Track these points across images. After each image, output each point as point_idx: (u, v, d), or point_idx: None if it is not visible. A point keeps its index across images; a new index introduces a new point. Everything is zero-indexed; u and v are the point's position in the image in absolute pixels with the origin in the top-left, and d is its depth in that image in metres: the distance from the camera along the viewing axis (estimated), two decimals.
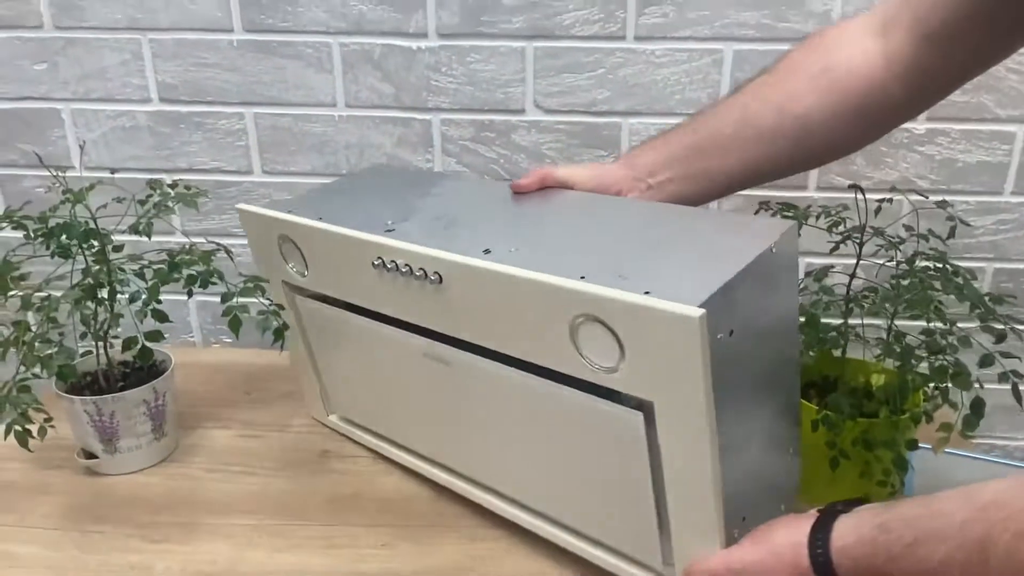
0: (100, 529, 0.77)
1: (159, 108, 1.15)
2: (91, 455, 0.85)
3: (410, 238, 0.67)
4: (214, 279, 0.79)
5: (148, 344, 0.83)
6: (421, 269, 0.65)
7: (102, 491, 0.84)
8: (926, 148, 1.07)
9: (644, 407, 0.59)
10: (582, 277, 0.56)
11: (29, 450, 0.71)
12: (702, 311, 0.49)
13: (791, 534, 0.54)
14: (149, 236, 0.79)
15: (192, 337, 1.26)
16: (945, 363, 0.69)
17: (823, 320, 0.73)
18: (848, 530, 0.51)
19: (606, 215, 0.70)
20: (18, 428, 0.70)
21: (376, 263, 0.69)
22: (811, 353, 0.75)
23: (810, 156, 0.73)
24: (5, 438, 0.70)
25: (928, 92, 0.66)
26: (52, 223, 0.80)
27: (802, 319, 0.72)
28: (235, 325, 0.76)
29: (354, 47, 1.09)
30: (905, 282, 0.70)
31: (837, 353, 0.76)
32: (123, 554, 0.74)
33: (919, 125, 1.07)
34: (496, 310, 0.63)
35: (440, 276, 0.64)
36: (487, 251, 0.64)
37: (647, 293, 0.53)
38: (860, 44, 0.66)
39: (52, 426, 0.74)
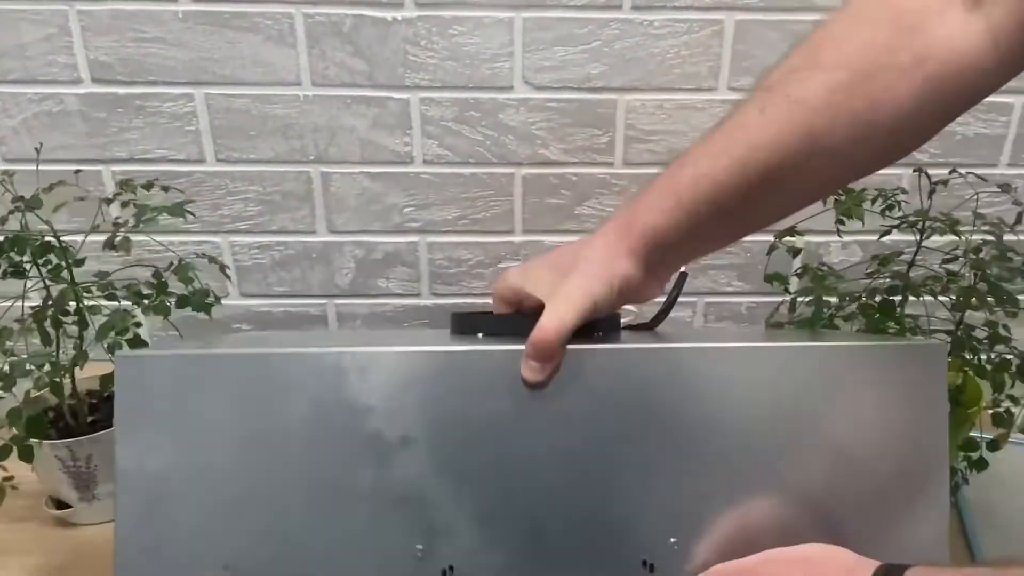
0: None
1: (92, 90, 1.00)
2: (62, 504, 0.73)
3: None
4: (211, 300, 0.68)
5: None
6: None
7: (81, 546, 0.72)
8: None
9: None
10: None
11: None
12: None
13: None
14: (128, 252, 0.67)
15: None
16: (1009, 357, 0.66)
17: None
18: (918, 567, 0.46)
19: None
20: None
21: None
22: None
23: (876, 167, 0.56)
24: None
25: (1016, 73, 0.53)
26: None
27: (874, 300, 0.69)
28: None
29: (320, 18, 0.98)
30: (964, 271, 0.68)
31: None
32: None
33: None
34: None
35: None
36: None
37: None
38: (953, 19, 0.49)
39: (14, 487, 0.63)
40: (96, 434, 0.71)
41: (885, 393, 0.51)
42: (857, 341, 0.52)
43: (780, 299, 0.83)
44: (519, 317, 0.55)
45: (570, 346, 0.50)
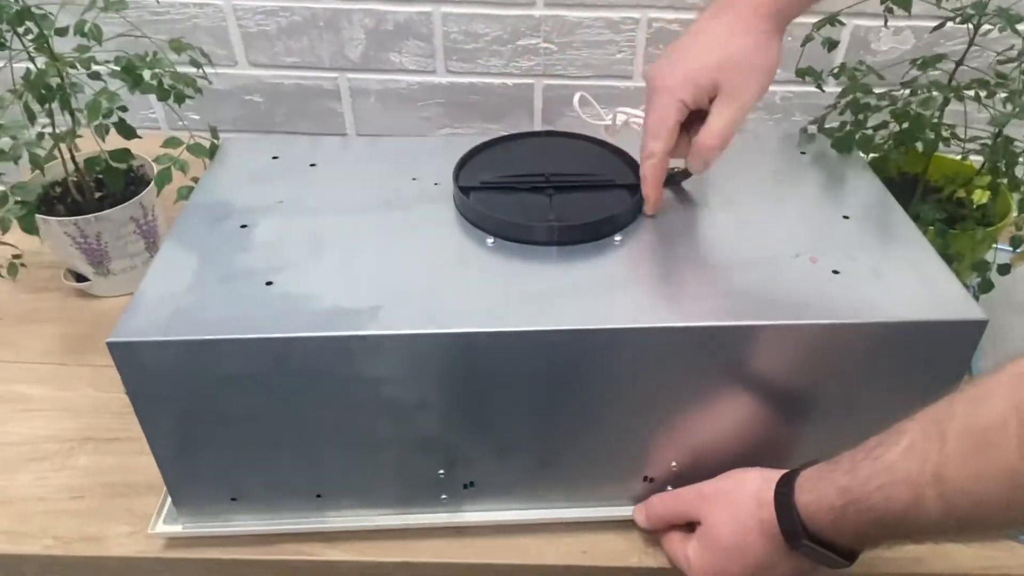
0: (112, 363, 0.70)
1: None
2: (81, 277, 0.76)
3: None
4: (191, 92, 0.64)
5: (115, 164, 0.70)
6: None
7: (102, 316, 0.76)
8: None
9: None
10: None
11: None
12: None
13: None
14: (100, 41, 0.63)
15: (153, 113, 1.11)
16: None
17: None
18: (810, 469, 0.48)
19: None
20: None
21: None
22: (901, 150, 0.67)
23: None
24: None
25: None
26: None
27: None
28: (162, 180, 0.64)
29: None
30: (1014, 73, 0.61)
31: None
32: None
33: None
34: None
35: None
36: None
37: None
38: None
39: (23, 263, 0.64)
40: (102, 212, 0.71)
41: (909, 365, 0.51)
42: (893, 317, 0.49)
43: (816, 90, 0.76)
44: (530, 226, 0.55)
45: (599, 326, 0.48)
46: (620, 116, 0.91)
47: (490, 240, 0.55)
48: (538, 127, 1.08)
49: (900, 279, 0.52)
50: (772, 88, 1.04)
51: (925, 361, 0.50)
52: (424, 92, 1.06)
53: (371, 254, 0.54)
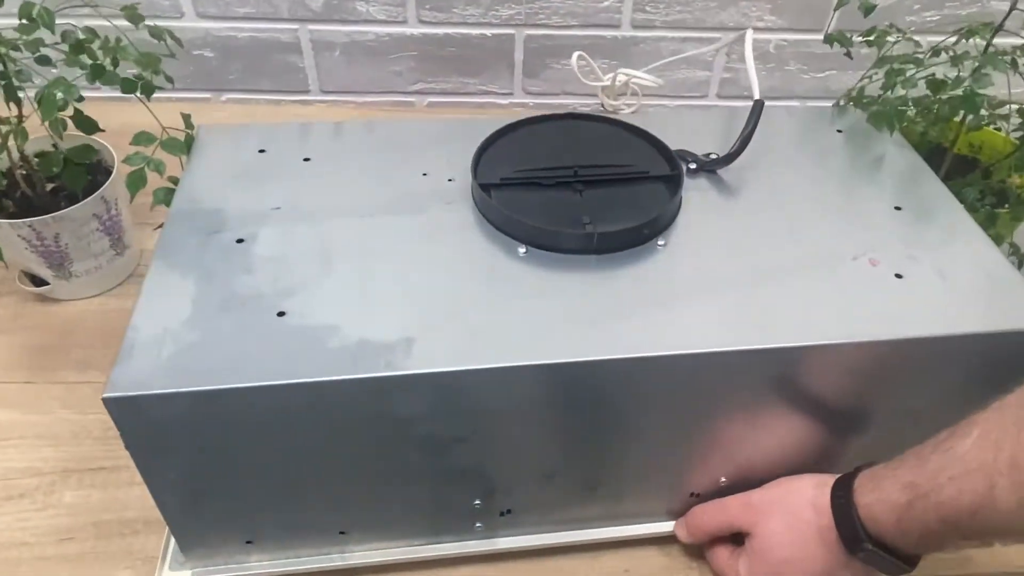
0: (87, 379, 0.64)
1: None
2: (39, 280, 0.68)
3: None
4: (162, 82, 0.56)
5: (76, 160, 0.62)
6: None
7: (67, 323, 0.68)
8: None
9: None
10: None
11: None
12: None
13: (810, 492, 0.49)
14: (52, 29, 0.53)
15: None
16: None
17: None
18: (870, 469, 0.46)
19: None
20: None
21: None
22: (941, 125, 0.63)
23: None
24: None
25: None
26: None
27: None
28: (135, 185, 0.56)
29: None
30: None
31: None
32: None
33: None
34: None
35: None
36: None
37: None
38: None
39: None
40: (59, 212, 0.62)
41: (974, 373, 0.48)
42: (969, 328, 0.46)
43: (814, 37, 0.71)
44: (568, 233, 0.49)
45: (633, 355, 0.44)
46: (620, 77, 0.85)
47: (522, 249, 0.49)
48: (519, 82, 1.01)
49: (967, 282, 0.48)
50: (766, 36, 0.99)
51: (990, 370, 0.48)
52: (394, 45, 0.97)
53: (389, 269, 0.48)
